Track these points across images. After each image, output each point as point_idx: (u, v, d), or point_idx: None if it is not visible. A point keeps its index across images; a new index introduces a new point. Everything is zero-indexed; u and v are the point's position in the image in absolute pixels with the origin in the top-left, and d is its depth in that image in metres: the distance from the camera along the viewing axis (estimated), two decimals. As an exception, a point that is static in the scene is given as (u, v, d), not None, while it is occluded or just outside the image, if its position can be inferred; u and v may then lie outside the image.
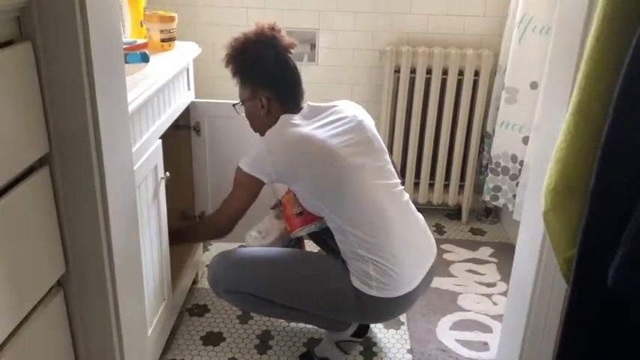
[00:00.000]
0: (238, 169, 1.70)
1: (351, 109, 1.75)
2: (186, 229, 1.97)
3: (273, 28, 1.72)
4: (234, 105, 1.81)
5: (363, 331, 1.90)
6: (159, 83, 1.57)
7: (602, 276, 0.66)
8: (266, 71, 1.71)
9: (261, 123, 1.74)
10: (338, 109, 1.74)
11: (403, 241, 1.65)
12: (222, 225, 1.77)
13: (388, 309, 1.69)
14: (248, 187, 1.70)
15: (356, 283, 1.61)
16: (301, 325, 2.03)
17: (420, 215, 1.76)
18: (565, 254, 0.78)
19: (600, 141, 0.67)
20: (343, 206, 1.62)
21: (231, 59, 1.73)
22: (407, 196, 1.74)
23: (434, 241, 1.77)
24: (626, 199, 0.64)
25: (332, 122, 1.69)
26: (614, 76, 0.65)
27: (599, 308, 0.72)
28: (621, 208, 0.64)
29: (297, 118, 1.69)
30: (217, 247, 2.49)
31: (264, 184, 1.69)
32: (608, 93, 0.66)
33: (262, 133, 1.72)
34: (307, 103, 1.75)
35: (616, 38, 0.69)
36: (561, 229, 0.78)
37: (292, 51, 1.74)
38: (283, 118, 1.68)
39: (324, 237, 1.89)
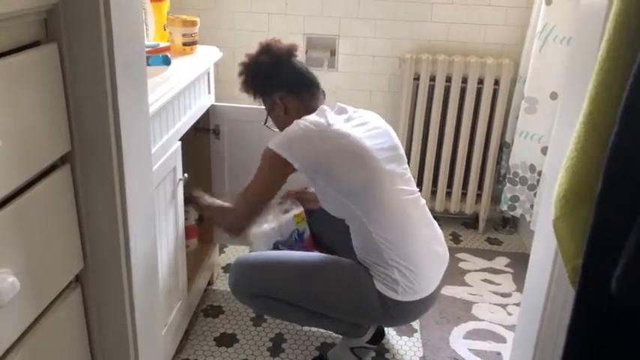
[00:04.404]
0: (267, 150, 1.64)
1: (377, 119, 1.77)
2: (216, 208, 1.82)
3: (267, 41, 1.79)
4: (264, 124, 1.84)
5: (378, 339, 1.91)
6: (179, 86, 1.59)
7: (607, 284, 0.66)
8: (268, 75, 1.76)
9: (286, 126, 1.70)
10: (367, 115, 1.76)
11: (424, 245, 1.67)
12: (241, 213, 1.69)
13: (411, 312, 1.70)
14: (275, 171, 1.64)
15: (381, 288, 1.62)
16: (314, 329, 2.04)
17: (434, 220, 1.78)
18: (573, 262, 0.78)
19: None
20: (371, 208, 1.61)
21: (243, 84, 1.81)
22: (424, 201, 1.76)
23: (446, 244, 1.78)
24: (630, 208, 0.64)
25: (364, 124, 1.70)
26: (623, 87, 0.66)
27: (605, 317, 0.72)
28: (625, 216, 0.65)
29: (332, 112, 1.69)
30: (233, 250, 2.51)
31: (292, 171, 1.62)
32: (617, 103, 0.67)
33: None
34: (337, 103, 1.76)
35: (626, 49, 0.69)
36: (570, 237, 0.79)
37: (296, 53, 1.79)
38: (321, 108, 1.70)
39: (326, 244, 1.91)
